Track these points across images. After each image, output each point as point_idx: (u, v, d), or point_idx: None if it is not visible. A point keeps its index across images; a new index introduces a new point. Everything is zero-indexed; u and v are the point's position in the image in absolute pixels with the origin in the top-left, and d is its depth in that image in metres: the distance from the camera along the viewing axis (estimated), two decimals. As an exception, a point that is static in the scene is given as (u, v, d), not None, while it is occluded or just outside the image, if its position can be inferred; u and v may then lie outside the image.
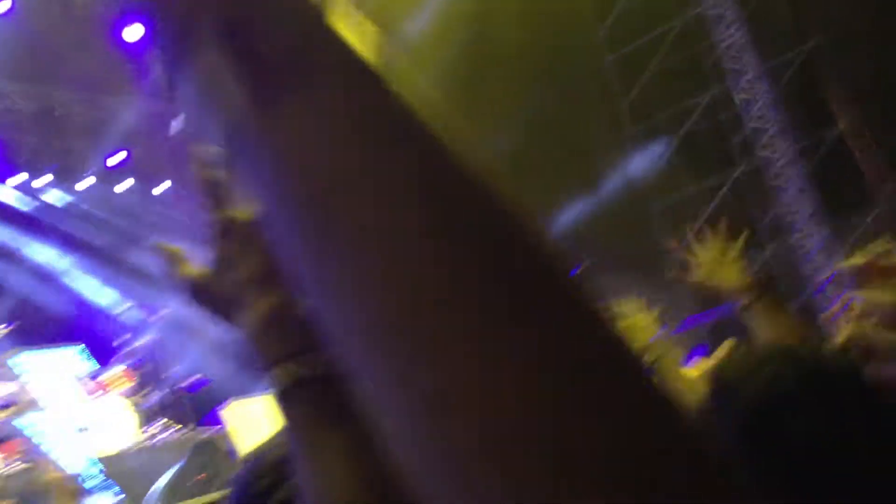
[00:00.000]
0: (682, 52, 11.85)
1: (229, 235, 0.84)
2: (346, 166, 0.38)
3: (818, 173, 11.61)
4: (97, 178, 12.52)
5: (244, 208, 0.85)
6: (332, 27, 0.42)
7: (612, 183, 11.83)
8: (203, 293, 0.87)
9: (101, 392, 8.41)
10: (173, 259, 0.91)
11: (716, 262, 2.38)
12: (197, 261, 0.89)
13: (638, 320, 2.53)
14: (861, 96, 11.18)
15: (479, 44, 10.73)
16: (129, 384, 8.71)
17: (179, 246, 0.92)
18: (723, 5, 11.86)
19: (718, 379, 1.46)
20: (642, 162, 12.11)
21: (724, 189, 11.73)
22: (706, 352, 10.35)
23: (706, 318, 11.41)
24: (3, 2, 9.65)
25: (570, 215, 11.40)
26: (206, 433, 7.65)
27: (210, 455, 6.24)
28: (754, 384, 1.34)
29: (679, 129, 11.91)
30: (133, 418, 8.30)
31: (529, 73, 10.89)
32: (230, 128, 0.41)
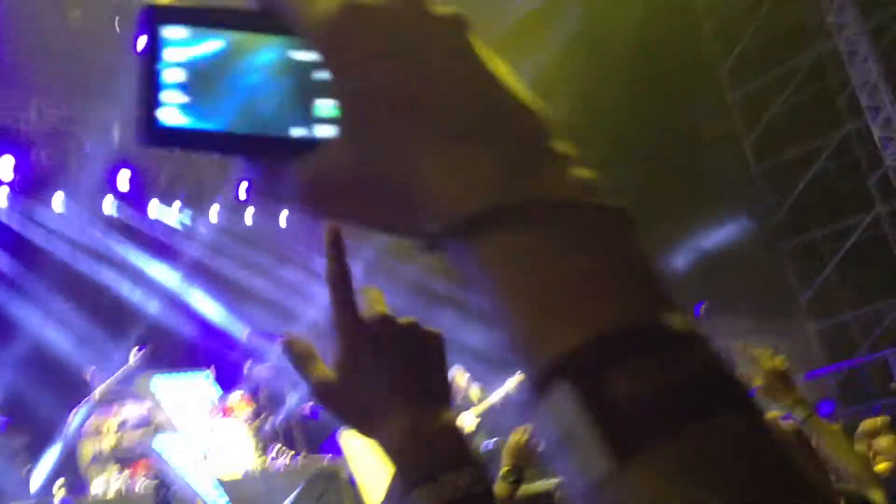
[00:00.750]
0: (811, 88, 11.42)
1: (360, 342, 0.82)
2: None
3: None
4: (227, 208, 13.04)
5: (379, 310, 0.84)
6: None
7: (739, 221, 11.44)
8: (333, 400, 0.83)
9: (223, 416, 8.68)
10: (303, 356, 0.85)
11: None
12: (329, 359, 0.84)
13: (773, 363, 2.65)
14: None
15: (598, 80, 10.65)
16: (248, 409, 8.95)
17: (309, 341, 0.87)
18: (856, 41, 11.38)
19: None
20: (770, 200, 11.68)
21: (860, 230, 11.16)
22: (833, 407, 9.76)
23: (834, 370, 10.83)
24: (142, 39, 10.31)
25: (694, 253, 11.08)
26: (325, 460, 7.76)
27: (328, 482, 6.31)
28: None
29: (809, 167, 11.44)
30: (252, 443, 8.51)
31: (651, 109, 10.72)
32: (586, 485, 0.41)
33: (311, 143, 0.50)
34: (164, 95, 0.51)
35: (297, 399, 9.84)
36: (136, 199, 12.33)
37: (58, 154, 11.61)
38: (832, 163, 11.41)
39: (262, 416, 9.04)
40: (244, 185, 12.73)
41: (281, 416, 9.44)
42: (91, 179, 11.92)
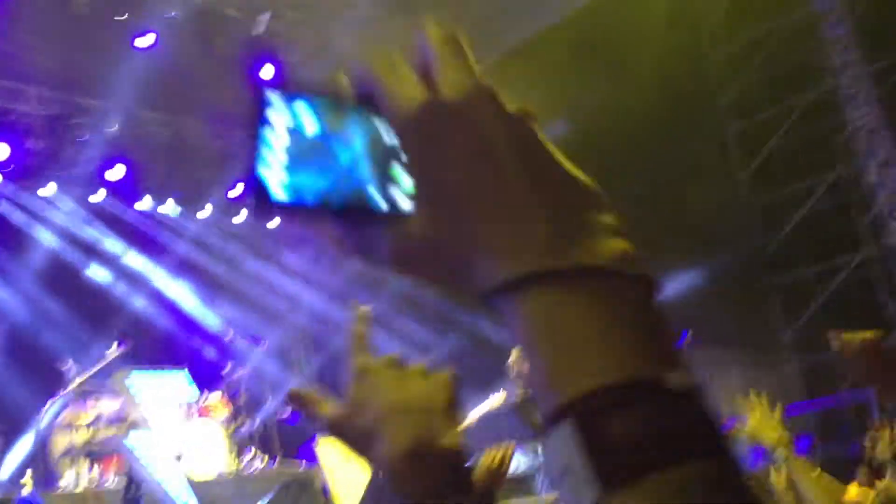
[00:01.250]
0: (810, 127, 11.49)
1: (363, 380, 0.94)
2: None
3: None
4: (218, 208, 12.99)
5: (378, 359, 0.97)
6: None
7: (728, 255, 11.48)
8: (340, 430, 0.95)
9: (200, 416, 8.61)
10: (309, 402, 0.98)
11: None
12: (331, 399, 0.98)
13: (762, 419, 2.79)
14: None
15: (595, 108, 10.71)
16: (226, 411, 8.89)
17: (313, 389, 1.00)
18: (857, 85, 11.47)
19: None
20: (760, 236, 11.73)
21: (846, 272, 11.22)
22: (811, 443, 9.76)
23: (814, 406, 10.87)
24: (146, 37, 10.31)
25: (682, 284, 11.10)
26: (299, 467, 7.69)
27: (301, 490, 6.26)
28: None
29: (802, 206, 11.49)
30: (227, 445, 8.44)
31: (647, 137, 10.76)
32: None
33: (391, 215, 0.59)
34: (270, 171, 0.58)
35: (275, 403, 9.78)
36: (128, 193, 12.29)
37: (54, 143, 11.56)
38: (824, 203, 11.47)
39: (240, 418, 8.99)
40: (241, 186, 12.76)
41: (258, 420, 9.38)
42: (85, 170, 11.87)
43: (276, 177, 0.58)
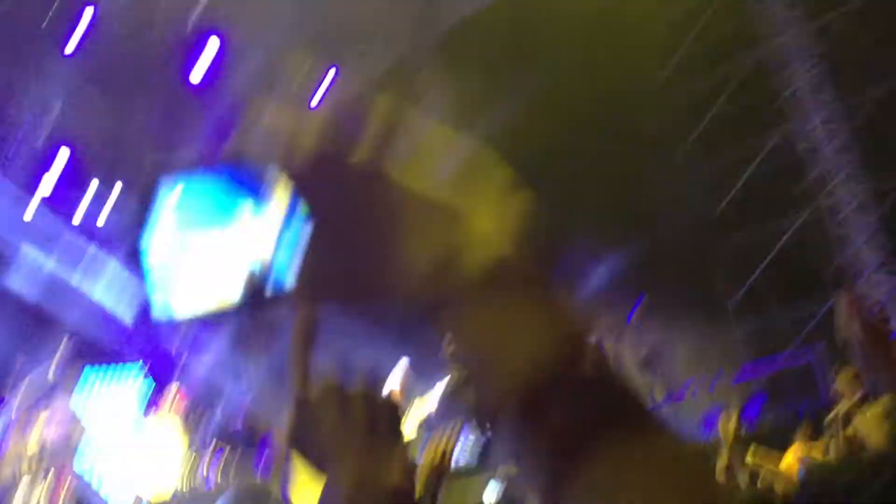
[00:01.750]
0: (750, 92, 11.61)
1: (303, 413, 0.97)
2: None
3: (890, 221, 11.25)
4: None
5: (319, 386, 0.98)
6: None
7: (674, 223, 11.64)
8: (295, 446, 0.99)
9: (156, 411, 8.57)
10: (260, 430, 1.01)
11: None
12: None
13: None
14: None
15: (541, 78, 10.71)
16: (183, 404, 8.84)
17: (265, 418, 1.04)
18: (797, 46, 11.59)
19: (823, 481, 1.44)
20: (704, 203, 11.91)
21: (787, 234, 11.47)
22: (763, 403, 9.90)
23: (764, 367, 11.14)
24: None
25: (630, 255, 11.26)
26: (257, 478, 7.67)
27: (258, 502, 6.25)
28: (868, 493, 1.32)
29: (743, 171, 11.67)
30: (184, 443, 8.40)
31: (589, 110, 10.81)
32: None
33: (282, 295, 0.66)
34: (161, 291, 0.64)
35: (235, 391, 9.74)
36: (73, 180, 12.00)
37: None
38: (767, 167, 11.64)
39: (198, 411, 8.94)
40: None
41: (218, 411, 9.33)
42: (27, 157, 11.56)
43: (166, 296, 0.64)
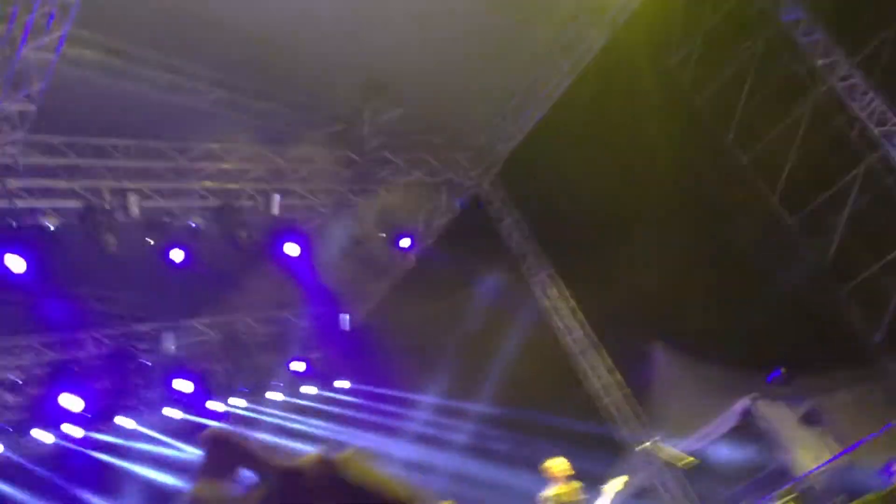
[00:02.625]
0: (819, 131, 11.42)
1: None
2: None
3: None
4: (285, 387, 13.12)
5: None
6: None
7: (786, 280, 11.21)
8: None
9: None
10: None
11: None
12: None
13: None
14: None
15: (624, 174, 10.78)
16: None
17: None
18: (854, 76, 11.46)
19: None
20: (812, 251, 11.48)
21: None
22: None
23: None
24: (178, 253, 10.52)
25: (748, 323, 10.83)
26: None
27: None
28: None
29: (842, 209, 11.30)
30: None
31: (671, 197, 10.79)
32: None
33: None
34: None
35: None
36: (197, 401, 12.44)
37: (120, 377, 11.84)
38: (864, 198, 11.26)
39: None
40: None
41: None
42: (154, 392, 12.08)
43: None
